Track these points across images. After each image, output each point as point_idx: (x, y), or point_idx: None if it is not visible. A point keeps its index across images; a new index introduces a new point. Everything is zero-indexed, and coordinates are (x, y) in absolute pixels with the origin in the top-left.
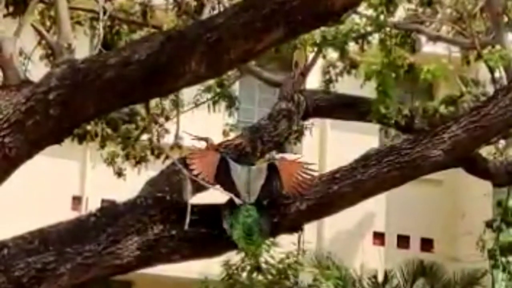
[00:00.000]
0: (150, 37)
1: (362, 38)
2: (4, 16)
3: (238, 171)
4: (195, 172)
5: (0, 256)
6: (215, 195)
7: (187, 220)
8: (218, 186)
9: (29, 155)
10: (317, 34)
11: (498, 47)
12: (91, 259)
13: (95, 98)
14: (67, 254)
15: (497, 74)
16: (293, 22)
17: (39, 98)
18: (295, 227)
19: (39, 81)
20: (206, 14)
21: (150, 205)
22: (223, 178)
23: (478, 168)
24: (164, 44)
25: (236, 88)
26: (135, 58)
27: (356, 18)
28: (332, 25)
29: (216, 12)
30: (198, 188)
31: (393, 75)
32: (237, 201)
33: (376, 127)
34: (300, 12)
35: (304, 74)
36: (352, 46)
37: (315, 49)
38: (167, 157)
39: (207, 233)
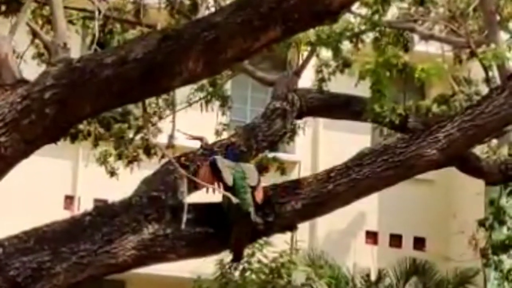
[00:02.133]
0: (147, 36)
1: (356, 37)
2: None
3: (228, 164)
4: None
5: None
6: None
7: (184, 219)
8: (214, 185)
9: (25, 154)
10: (311, 33)
11: (493, 45)
12: (86, 259)
13: (91, 97)
14: (63, 254)
15: (489, 73)
16: (291, 20)
17: (35, 97)
18: (290, 226)
19: (35, 80)
20: (201, 13)
21: (145, 204)
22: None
23: (471, 167)
24: (161, 43)
25: (228, 87)
26: (132, 57)
27: (349, 16)
28: (329, 24)
29: (211, 10)
30: (194, 187)
31: (388, 74)
32: (234, 199)
33: (368, 126)
34: (298, 11)
35: (298, 73)
36: (345, 45)
37: (309, 48)
38: (162, 156)
39: (202, 232)
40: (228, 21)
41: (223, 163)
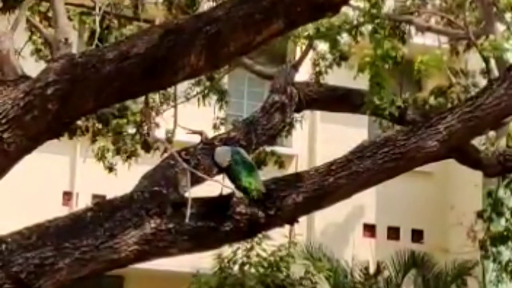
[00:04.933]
0: (149, 31)
1: (356, 29)
2: None
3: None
4: None
5: None
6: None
7: (188, 213)
8: (216, 179)
9: (28, 151)
10: (309, 26)
11: (492, 37)
12: (89, 254)
13: (93, 93)
14: (65, 249)
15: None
16: (293, 14)
17: (37, 93)
18: (292, 219)
19: (37, 76)
20: (202, 7)
21: (147, 199)
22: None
23: (470, 158)
24: (163, 38)
25: (225, 81)
26: (134, 52)
27: (347, 9)
28: (330, 17)
29: (211, 4)
30: (195, 181)
31: (387, 66)
32: (237, 193)
33: (365, 119)
34: (300, 4)
35: (296, 67)
36: (342, 38)
37: (307, 41)
38: (165, 151)
39: (204, 226)
40: (230, 15)
41: (220, 150)
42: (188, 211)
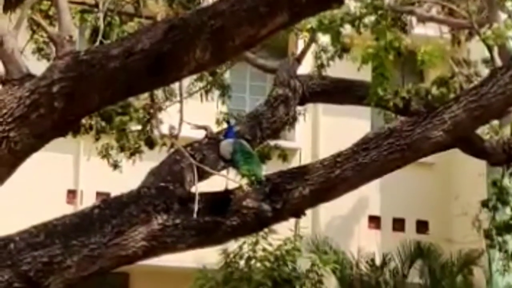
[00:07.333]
0: (153, 26)
1: (358, 20)
2: None
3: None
4: None
5: (7, 251)
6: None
7: (196, 208)
8: (222, 173)
9: (34, 149)
10: (311, 18)
11: (495, 25)
12: (97, 251)
13: (99, 90)
14: (73, 247)
15: (488, 54)
16: (297, 6)
17: (42, 91)
18: (298, 212)
19: (42, 74)
20: (203, 3)
21: (154, 195)
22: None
23: (475, 148)
24: (168, 33)
25: (227, 76)
26: (139, 47)
27: (347, 0)
28: (334, 9)
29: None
30: (201, 176)
31: (391, 57)
32: (245, 188)
33: (368, 111)
34: None
35: (299, 60)
36: (343, 30)
37: (309, 34)
38: (171, 146)
39: (211, 222)
40: (234, 9)
41: (223, 144)
42: (196, 207)
